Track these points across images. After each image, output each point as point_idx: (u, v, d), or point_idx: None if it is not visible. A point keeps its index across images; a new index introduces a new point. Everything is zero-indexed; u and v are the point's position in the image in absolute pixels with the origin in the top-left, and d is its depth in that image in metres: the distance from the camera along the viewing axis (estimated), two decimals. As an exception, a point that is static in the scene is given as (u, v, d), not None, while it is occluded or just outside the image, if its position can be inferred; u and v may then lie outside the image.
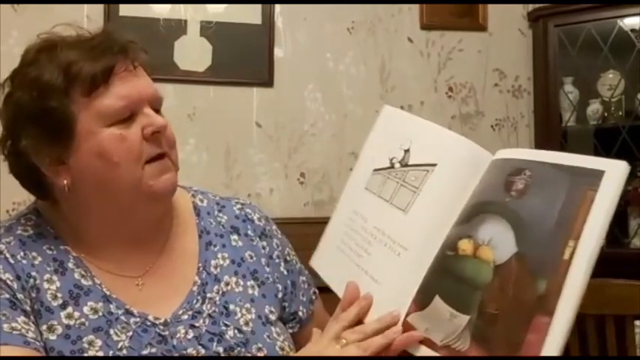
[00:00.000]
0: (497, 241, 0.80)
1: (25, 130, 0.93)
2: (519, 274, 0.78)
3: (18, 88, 0.94)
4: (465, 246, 0.82)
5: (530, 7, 2.87)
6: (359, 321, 0.88)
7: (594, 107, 2.69)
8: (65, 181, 0.93)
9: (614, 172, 0.76)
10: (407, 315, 0.85)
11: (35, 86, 0.92)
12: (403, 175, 0.91)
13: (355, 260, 0.92)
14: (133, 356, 0.91)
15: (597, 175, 0.76)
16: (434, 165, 0.88)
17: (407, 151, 0.92)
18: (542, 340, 0.73)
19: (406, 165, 0.91)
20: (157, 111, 0.97)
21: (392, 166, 0.93)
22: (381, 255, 0.89)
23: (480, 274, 0.80)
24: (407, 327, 0.85)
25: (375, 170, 0.95)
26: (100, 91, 0.91)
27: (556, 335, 0.73)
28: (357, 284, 0.89)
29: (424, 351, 0.84)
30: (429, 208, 0.87)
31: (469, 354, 0.79)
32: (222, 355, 0.95)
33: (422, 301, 0.84)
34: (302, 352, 0.91)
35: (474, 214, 0.84)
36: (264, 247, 1.08)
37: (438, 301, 0.83)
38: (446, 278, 0.83)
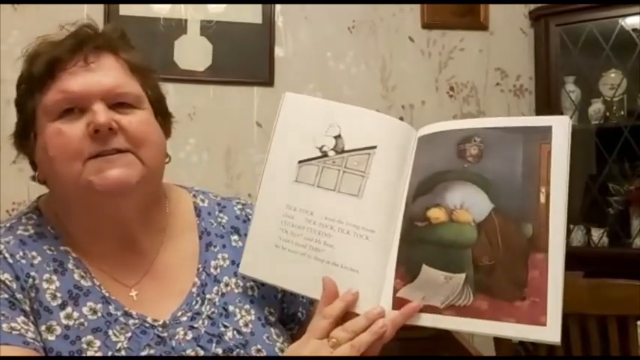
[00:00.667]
0: (471, 203, 0.87)
1: (17, 124, 0.99)
2: (503, 224, 0.85)
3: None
4: (437, 214, 0.88)
5: (532, 6, 2.86)
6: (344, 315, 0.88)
7: (596, 107, 2.68)
8: (36, 174, 0.98)
9: (560, 125, 0.86)
10: (396, 291, 0.87)
11: (18, 84, 0.97)
12: (342, 162, 0.92)
13: (314, 255, 0.91)
14: (132, 356, 0.91)
15: (546, 131, 0.86)
16: (374, 147, 0.91)
17: (338, 137, 0.93)
18: (544, 274, 0.82)
19: (342, 151, 0.93)
20: (127, 105, 0.94)
21: (324, 155, 0.93)
22: (348, 243, 0.90)
23: (462, 235, 0.86)
24: (400, 302, 0.87)
25: (302, 162, 0.95)
26: (48, 86, 0.93)
27: (556, 267, 0.82)
28: (332, 279, 0.89)
29: (427, 318, 0.86)
30: (382, 188, 0.91)
31: (476, 305, 0.84)
32: (222, 356, 0.94)
33: (407, 273, 0.87)
34: (290, 352, 0.90)
35: (434, 184, 0.89)
36: (263, 248, 1.07)
37: (427, 269, 0.86)
38: (426, 247, 0.87)
